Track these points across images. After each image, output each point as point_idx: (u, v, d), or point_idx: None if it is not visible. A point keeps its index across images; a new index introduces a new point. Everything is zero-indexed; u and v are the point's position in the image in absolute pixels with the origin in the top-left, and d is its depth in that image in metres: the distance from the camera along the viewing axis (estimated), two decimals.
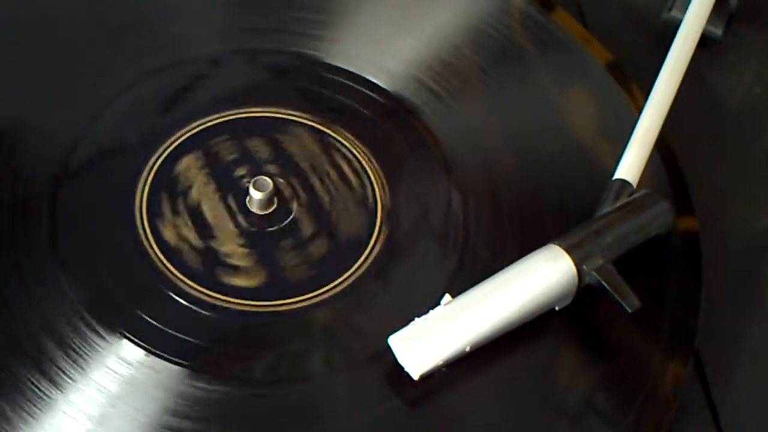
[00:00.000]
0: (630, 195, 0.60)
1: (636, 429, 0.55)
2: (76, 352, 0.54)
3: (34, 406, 0.53)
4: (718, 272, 0.63)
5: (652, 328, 0.59)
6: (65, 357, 0.54)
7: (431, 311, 0.55)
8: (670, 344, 0.58)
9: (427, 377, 0.54)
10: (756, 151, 0.69)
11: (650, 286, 0.59)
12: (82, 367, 0.54)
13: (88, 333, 0.55)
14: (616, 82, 0.67)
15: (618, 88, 0.67)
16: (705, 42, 0.71)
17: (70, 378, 0.53)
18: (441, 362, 0.54)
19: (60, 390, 0.53)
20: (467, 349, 0.54)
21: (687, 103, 0.68)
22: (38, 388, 0.53)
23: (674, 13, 0.70)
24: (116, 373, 0.54)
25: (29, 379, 0.53)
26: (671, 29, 0.67)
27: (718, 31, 0.71)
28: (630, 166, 0.61)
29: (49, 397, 0.53)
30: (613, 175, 0.61)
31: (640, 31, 0.73)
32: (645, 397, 0.56)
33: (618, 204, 0.59)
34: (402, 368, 0.54)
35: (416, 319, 0.55)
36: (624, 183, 0.60)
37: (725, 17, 0.70)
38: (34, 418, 0.52)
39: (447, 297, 0.56)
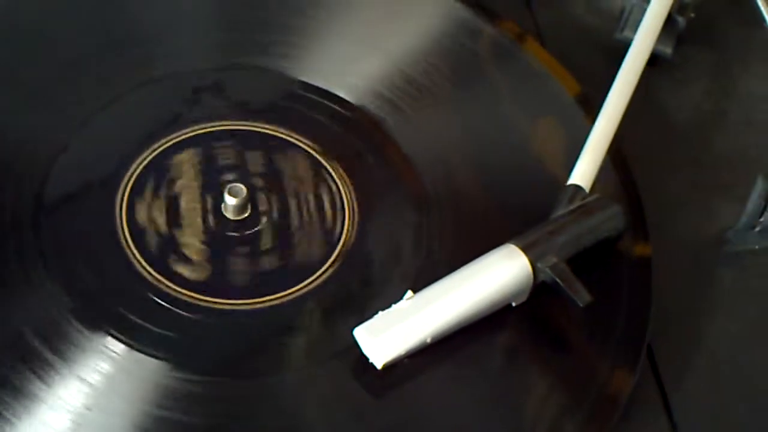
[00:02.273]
0: (583, 199, 0.63)
1: (588, 420, 0.58)
2: (62, 349, 0.57)
3: (24, 399, 0.55)
4: (670, 275, 0.66)
5: (604, 324, 0.61)
6: (52, 354, 0.56)
7: (394, 305, 0.58)
8: (621, 340, 0.61)
9: (391, 367, 0.57)
10: (705, 163, 0.72)
11: (603, 285, 0.62)
12: (68, 363, 0.56)
13: (73, 331, 0.57)
14: (580, 107, 0.70)
15: (580, 111, 0.70)
16: (656, 61, 0.74)
17: (57, 373, 0.56)
18: (403, 352, 0.57)
19: (47, 385, 0.55)
20: (428, 340, 0.57)
21: (639, 119, 0.71)
22: (27, 384, 0.55)
23: (626, 33, 0.74)
24: (100, 368, 0.56)
25: (18, 375, 0.56)
26: (624, 48, 0.71)
27: (668, 50, 0.74)
28: (583, 173, 0.64)
29: (37, 391, 0.55)
30: (567, 180, 0.64)
31: (595, 51, 0.76)
32: (597, 389, 0.59)
33: (571, 207, 0.62)
34: (367, 358, 0.57)
35: (380, 312, 0.58)
36: (577, 188, 0.63)
37: (674, 37, 0.74)
38: (24, 410, 0.55)
39: (409, 293, 0.58)
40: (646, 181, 0.69)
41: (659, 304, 0.63)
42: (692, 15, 0.75)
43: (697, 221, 0.70)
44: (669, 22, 0.73)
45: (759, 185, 0.66)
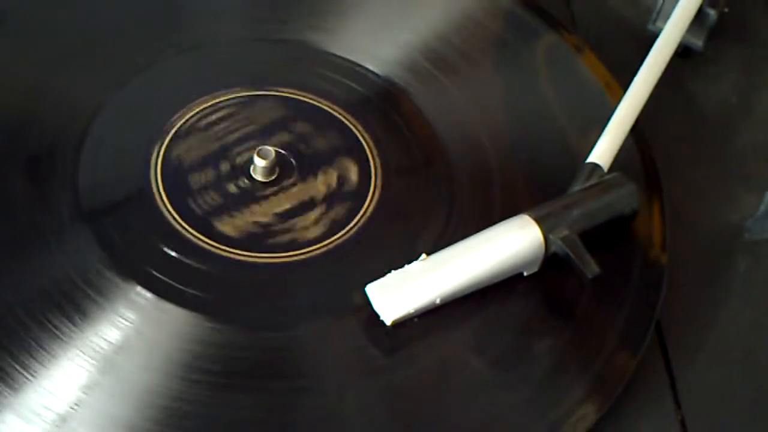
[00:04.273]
0: (600, 177, 0.64)
1: (592, 391, 0.60)
2: (94, 297, 0.59)
3: (58, 342, 0.58)
4: (687, 259, 0.67)
5: (614, 301, 0.63)
6: (85, 301, 0.59)
7: (407, 266, 0.60)
8: (630, 317, 0.63)
9: (400, 325, 0.59)
10: (730, 154, 0.74)
11: (617, 262, 0.64)
12: (99, 310, 0.59)
13: (105, 280, 0.60)
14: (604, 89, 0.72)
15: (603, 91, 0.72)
16: (688, 53, 0.76)
17: (89, 319, 0.59)
18: (412, 311, 0.59)
19: (79, 330, 0.58)
20: (438, 301, 0.59)
21: (668, 109, 0.74)
22: (60, 328, 0.58)
23: (659, 24, 0.75)
24: (130, 315, 0.59)
25: (52, 320, 0.59)
26: (655, 38, 0.72)
27: (699, 42, 0.75)
28: (603, 152, 0.65)
29: (70, 335, 0.58)
30: (587, 159, 0.66)
31: (629, 41, 0.77)
32: (602, 361, 0.61)
33: (588, 184, 0.64)
34: (377, 315, 0.59)
35: (393, 271, 0.60)
36: (596, 166, 0.65)
37: (706, 30, 0.75)
38: (58, 352, 0.57)
39: (423, 256, 0.61)
40: (672, 168, 0.70)
41: (673, 287, 0.65)
42: (725, 10, 0.76)
43: (717, 209, 0.71)
44: (700, 14, 0.74)
45: None
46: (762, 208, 0.68)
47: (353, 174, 0.66)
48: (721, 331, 0.65)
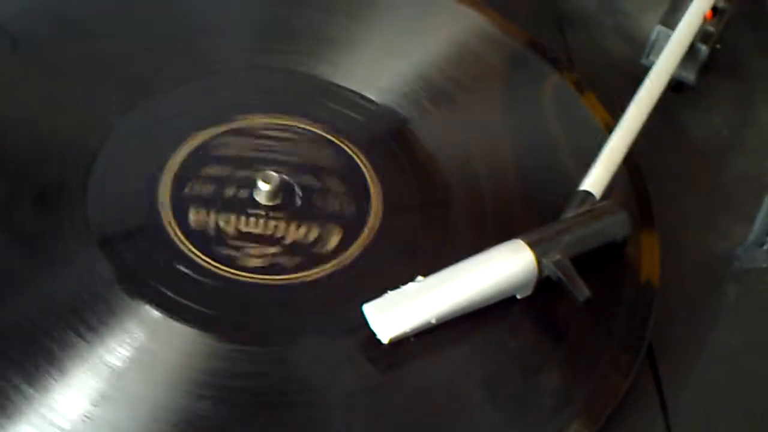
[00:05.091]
0: (592, 204, 0.66)
1: (583, 411, 0.61)
2: (104, 315, 0.61)
3: (67, 359, 0.60)
4: (677, 287, 0.69)
5: (605, 325, 0.65)
6: (95, 319, 0.61)
7: (403, 286, 0.62)
8: (621, 341, 0.64)
9: (397, 344, 0.61)
10: (720, 184, 0.76)
11: (609, 287, 0.66)
12: (109, 328, 0.61)
13: (115, 299, 0.62)
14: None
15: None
16: (680, 87, 0.78)
17: (98, 337, 0.60)
18: (408, 330, 0.61)
19: (90, 346, 0.60)
20: (433, 321, 0.61)
21: (661, 140, 0.75)
22: (70, 345, 0.60)
23: (652, 58, 0.77)
24: (138, 333, 0.61)
25: (63, 338, 0.60)
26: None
27: (691, 77, 0.78)
28: (595, 180, 0.67)
29: (81, 349, 0.60)
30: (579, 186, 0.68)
31: (623, 75, 0.79)
32: (594, 383, 0.62)
33: (580, 210, 0.66)
34: (374, 334, 0.61)
35: (389, 292, 0.62)
36: (588, 194, 0.67)
37: (698, 64, 0.78)
38: (69, 367, 0.59)
39: (420, 277, 0.63)
40: (663, 197, 0.72)
41: (664, 313, 0.67)
42: (717, 46, 0.78)
43: (707, 238, 0.73)
44: (692, 50, 0.77)
45: (766, 204, 0.69)
46: (751, 237, 0.70)
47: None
48: (711, 356, 0.67)
